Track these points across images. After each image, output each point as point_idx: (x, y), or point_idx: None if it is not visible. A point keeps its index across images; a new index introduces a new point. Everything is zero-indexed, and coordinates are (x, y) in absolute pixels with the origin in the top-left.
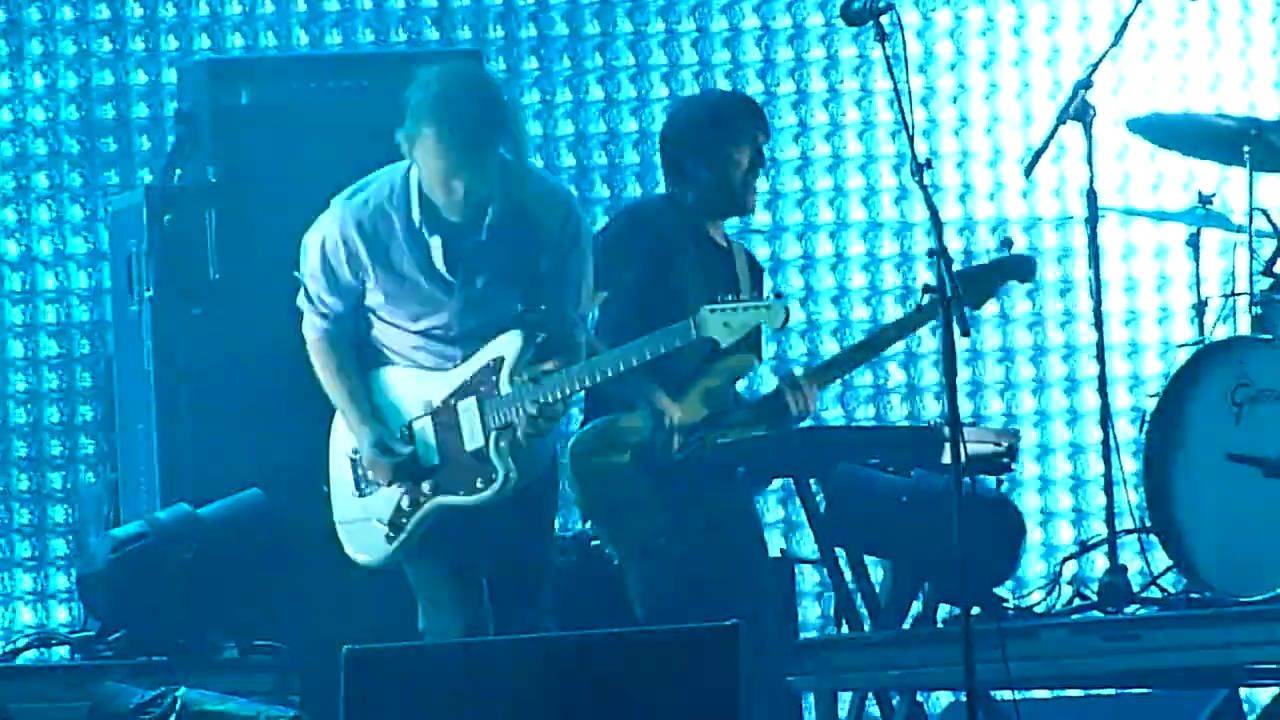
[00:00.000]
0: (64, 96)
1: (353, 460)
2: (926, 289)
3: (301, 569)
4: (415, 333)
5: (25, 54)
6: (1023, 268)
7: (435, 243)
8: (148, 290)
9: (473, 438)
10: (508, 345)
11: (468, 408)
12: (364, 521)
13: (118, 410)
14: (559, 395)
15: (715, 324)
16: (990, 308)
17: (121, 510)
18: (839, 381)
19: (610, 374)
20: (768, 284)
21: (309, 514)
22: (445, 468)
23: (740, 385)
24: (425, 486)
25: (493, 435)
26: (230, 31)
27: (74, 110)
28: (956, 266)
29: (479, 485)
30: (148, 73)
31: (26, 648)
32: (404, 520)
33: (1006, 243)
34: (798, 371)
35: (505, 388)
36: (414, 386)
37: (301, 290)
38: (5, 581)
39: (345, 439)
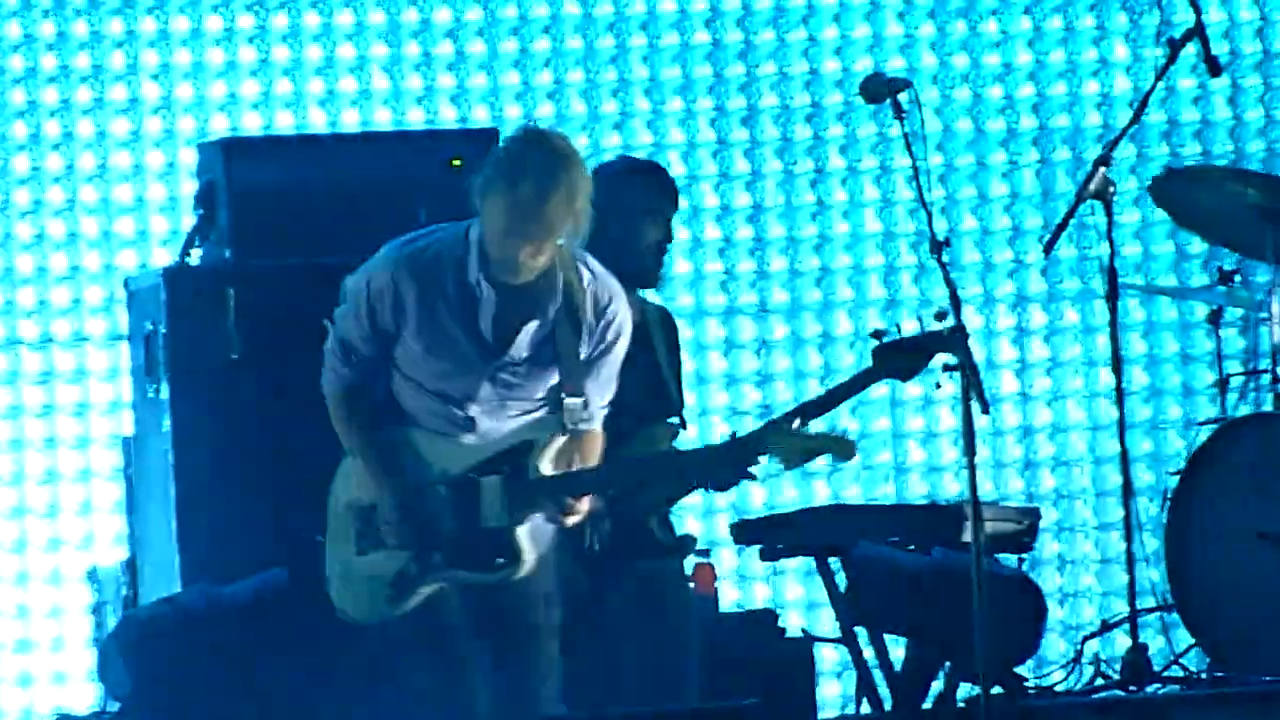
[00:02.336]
0: (81, 177)
1: (357, 513)
2: (876, 334)
3: (324, 648)
4: (430, 393)
5: (42, 135)
6: (951, 341)
7: (488, 303)
8: (166, 370)
9: (493, 516)
10: (541, 431)
11: (491, 485)
12: (362, 580)
13: (137, 490)
14: (583, 494)
15: (780, 446)
16: (1010, 384)
17: (140, 590)
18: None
19: (644, 480)
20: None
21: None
22: (460, 541)
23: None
24: (436, 556)
25: (517, 518)
26: (247, 111)
27: (91, 191)
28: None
29: (499, 564)
30: (165, 153)
31: None
32: (411, 586)
33: (940, 315)
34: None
35: (534, 473)
36: (431, 451)
37: (330, 336)
38: (25, 662)
39: (351, 488)
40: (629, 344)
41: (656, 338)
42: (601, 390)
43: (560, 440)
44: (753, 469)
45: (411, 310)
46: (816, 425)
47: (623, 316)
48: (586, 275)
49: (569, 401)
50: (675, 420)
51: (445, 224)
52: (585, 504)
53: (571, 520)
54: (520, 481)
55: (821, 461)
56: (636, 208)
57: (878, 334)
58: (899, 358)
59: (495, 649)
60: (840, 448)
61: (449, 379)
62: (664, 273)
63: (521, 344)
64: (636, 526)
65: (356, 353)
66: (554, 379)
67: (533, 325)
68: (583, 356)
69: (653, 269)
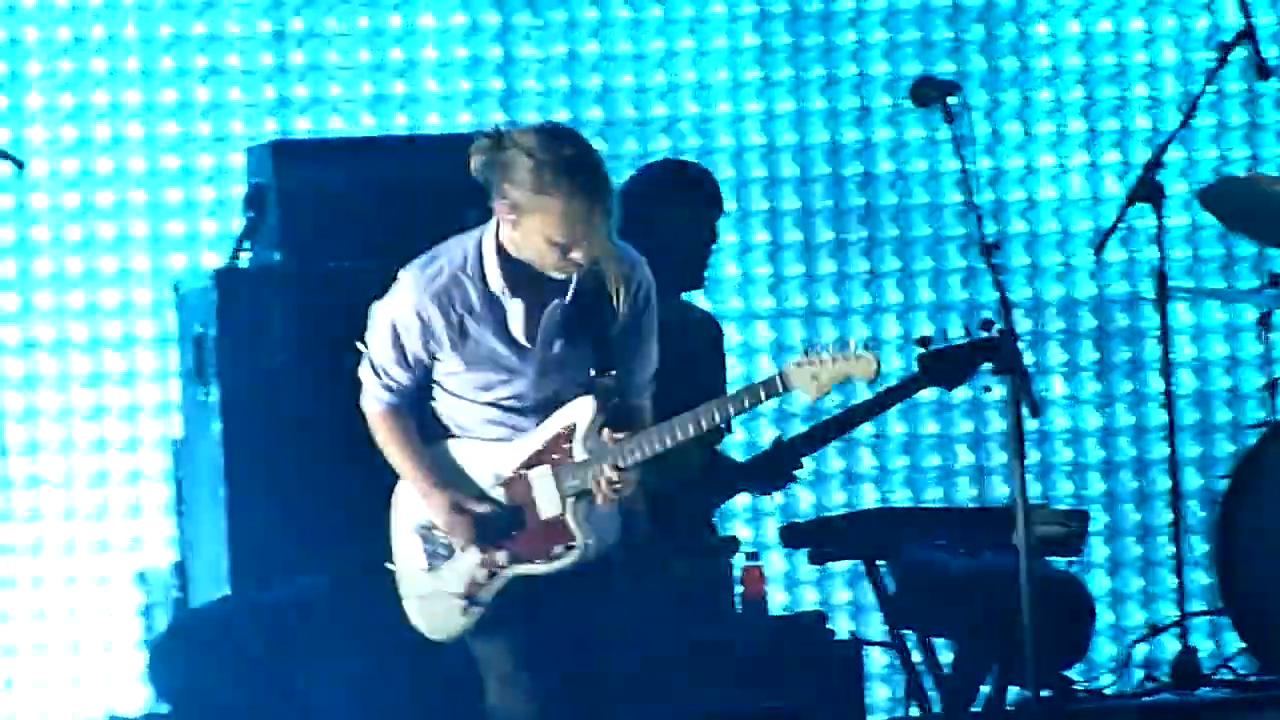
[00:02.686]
0: (131, 180)
1: (422, 535)
2: (921, 341)
3: (370, 653)
4: (485, 404)
5: (92, 138)
6: (995, 351)
7: (515, 307)
8: (216, 373)
9: (548, 506)
10: (581, 411)
11: (541, 475)
12: (436, 596)
13: (186, 493)
14: (638, 456)
15: (803, 376)
16: (1059, 388)
17: (190, 593)
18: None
19: (692, 432)
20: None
21: (377, 598)
22: (521, 538)
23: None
24: (500, 557)
25: (569, 502)
26: (297, 114)
27: (141, 193)
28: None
29: (557, 552)
30: (215, 156)
31: None
32: (480, 591)
33: (986, 324)
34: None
35: (579, 454)
36: (481, 459)
37: (365, 362)
38: (74, 665)
39: (410, 514)
40: (674, 347)
41: (700, 341)
42: (643, 362)
43: (598, 418)
44: (797, 471)
45: (442, 334)
46: (832, 352)
47: (649, 284)
48: (614, 252)
49: (600, 379)
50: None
51: (452, 238)
52: (620, 476)
53: (614, 494)
54: (568, 466)
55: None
56: (682, 212)
57: (923, 341)
58: (944, 366)
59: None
60: (860, 366)
61: (497, 388)
62: (707, 275)
63: (550, 331)
64: (680, 528)
65: (392, 378)
66: (583, 355)
67: (567, 314)
68: (614, 331)
69: (697, 271)
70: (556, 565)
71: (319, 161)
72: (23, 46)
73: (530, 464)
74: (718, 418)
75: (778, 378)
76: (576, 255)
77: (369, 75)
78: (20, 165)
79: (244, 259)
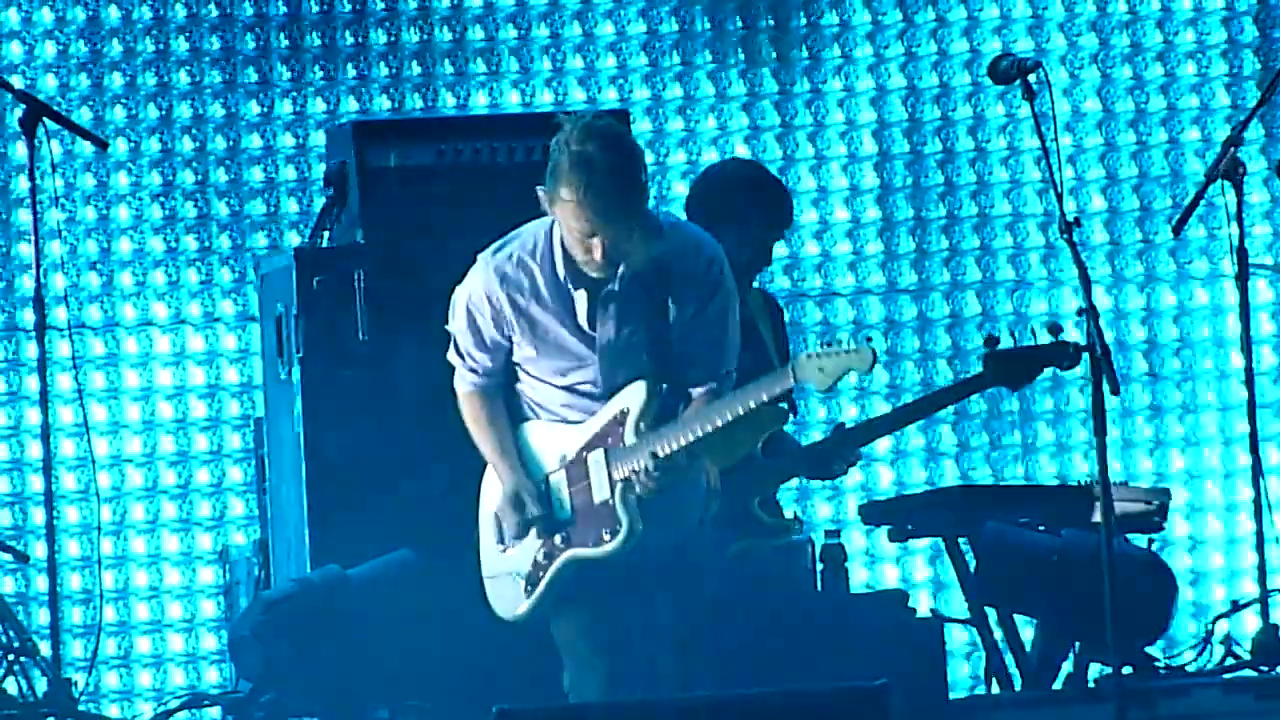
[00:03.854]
0: (212, 159)
1: (496, 516)
2: (989, 340)
3: (451, 628)
4: (562, 388)
5: (174, 117)
6: (1063, 355)
7: (580, 297)
8: (297, 352)
9: (600, 490)
10: (633, 396)
11: (597, 460)
12: (505, 576)
13: (268, 472)
14: (673, 447)
15: (811, 369)
16: (1140, 365)
17: (272, 571)
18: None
19: (719, 423)
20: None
21: (459, 573)
22: (577, 520)
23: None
24: (558, 539)
25: (618, 488)
26: (377, 94)
27: (222, 173)
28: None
29: (605, 538)
30: (295, 135)
31: (178, 709)
32: (540, 574)
33: (1055, 328)
34: (846, 424)
35: (630, 439)
36: (552, 440)
37: (452, 345)
38: (156, 643)
39: (492, 495)
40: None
41: (761, 320)
42: (713, 349)
43: (650, 403)
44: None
45: (511, 318)
46: (834, 346)
47: (718, 268)
48: (674, 238)
49: (657, 365)
50: (784, 404)
51: (528, 223)
52: (655, 464)
53: (650, 483)
54: (617, 449)
55: (852, 379)
56: (750, 217)
57: (990, 341)
58: (1009, 367)
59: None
60: (858, 359)
61: (571, 373)
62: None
63: (607, 319)
64: (741, 509)
65: (475, 360)
66: (641, 339)
67: (625, 302)
68: (678, 317)
69: (758, 267)
70: (604, 550)
71: (399, 141)
72: (105, 26)
73: (589, 447)
74: (740, 410)
75: (790, 370)
76: (596, 250)
77: (448, 54)
78: (103, 145)
79: (324, 238)
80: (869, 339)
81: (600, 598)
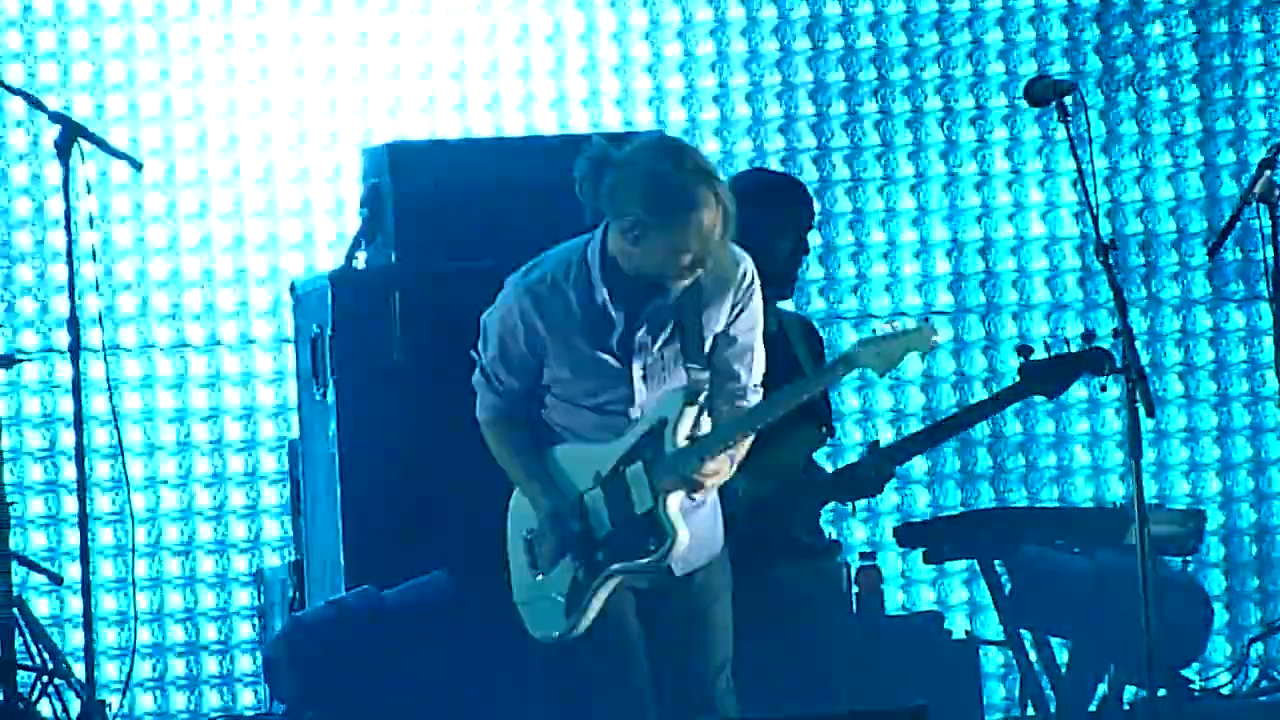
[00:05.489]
0: (248, 181)
1: (528, 540)
2: (1021, 349)
3: (486, 651)
4: (592, 409)
5: (208, 138)
6: (1098, 361)
7: (619, 318)
8: (333, 373)
9: (642, 501)
10: (670, 406)
11: (635, 473)
12: (543, 600)
13: (303, 493)
14: (719, 450)
15: (869, 355)
16: (1176, 387)
17: (307, 593)
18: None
19: (768, 420)
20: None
21: (494, 596)
22: (618, 535)
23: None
24: (599, 555)
25: (662, 497)
26: (412, 115)
27: (258, 194)
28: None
29: (651, 548)
30: (330, 156)
31: None
32: (583, 592)
33: (1089, 335)
34: (881, 443)
35: (670, 448)
36: (584, 460)
37: (478, 369)
38: (191, 664)
39: (522, 520)
40: (777, 353)
41: (797, 344)
42: (749, 360)
43: (691, 411)
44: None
45: (545, 340)
46: (897, 327)
47: (752, 278)
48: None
49: (695, 375)
50: (823, 427)
51: (555, 248)
52: (713, 468)
53: (705, 486)
54: (659, 459)
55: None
56: (774, 222)
57: (1024, 350)
58: (1044, 375)
59: (665, 643)
60: (918, 339)
61: (600, 394)
62: (797, 282)
63: (651, 335)
64: (782, 531)
65: (504, 384)
66: (674, 353)
67: (654, 309)
68: (719, 328)
69: (787, 279)
70: (650, 560)
71: (435, 162)
72: (138, 48)
73: (626, 461)
74: (792, 404)
75: (841, 360)
76: (700, 267)
77: (484, 76)
78: (138, 166)
79: (360, 260)
80: (927, 318)
81: (642, 617)
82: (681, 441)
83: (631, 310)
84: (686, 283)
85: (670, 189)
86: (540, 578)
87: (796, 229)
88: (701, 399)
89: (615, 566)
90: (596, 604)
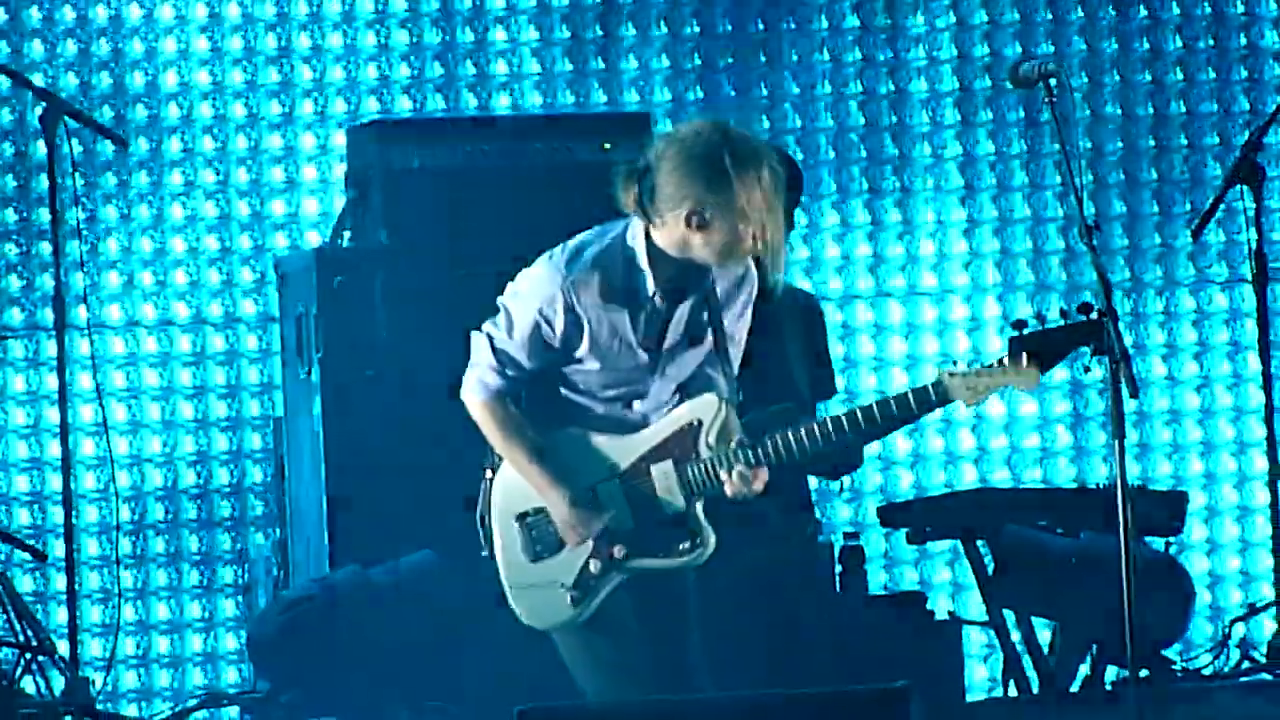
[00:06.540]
0: (233, 159)
1: (526, 523)
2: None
3: (472, 629)
4: (602, 400)
5: (195, 118)
6: (1094, 333)
7: (655, 308)
8: (318, 352)
9: (672, 502)
10: (705, 409)
11: (664, 470)
12: (542, 586)
13: (288, 471)
14: (775, 459)
15: (959, 388)
16: (1158, 369)
17: (291, 571)
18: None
19: (833, 438)
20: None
21: (479, 574)
22: (640, 531)
23: None
24: (617, 550)
25: (696, 500)
26: (399, 94)
27: (243, 173)
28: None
29: (682, 549)
30: (316, 136)
31: (196, 708)
32: (593, 583)
33: (1085, 307)
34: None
35: (705, 451)
36: (595, 450)
37: (483, 350)
38: (175, 643)
39: (512, 500)
40: (779, 326)
41: (786, 322)
42: (773, 362)
43: (722, 414)
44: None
45: (586, 324)
46: (994, 366)
47: (753, 277)
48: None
49: (720, 377)
50: (793, 405)
51: (591, 231)
52: (763, 475)
53: (754, 490)
54: (693, 462)
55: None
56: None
57: (1018, 324)
58: (1038, 348)
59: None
60: (1024, 378)
61: (618, 386)
62: (793, 259)
63: (677, 329)
64: (755, 513)
65: (518, 366)
66: (702, 354)
67: (687, 305)
68: (732, 327)
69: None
70: (681, 561)
71: (420, 141)
72: (126, 25)
73: (651, 458)
74: (866, 423)
75: (931, 388)
76: (768, 238)
77: (470, 55)
78: (124, 144)
79: (345, 238)
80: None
81: (643, 606)
82: (713, 445)
83: (670, 305)
84: (746, 266)
85: (728, 166)
86: (539, 564)
87: (784, 204)
88: (736, 402)
89: (640, 563)
90: (603, 595)
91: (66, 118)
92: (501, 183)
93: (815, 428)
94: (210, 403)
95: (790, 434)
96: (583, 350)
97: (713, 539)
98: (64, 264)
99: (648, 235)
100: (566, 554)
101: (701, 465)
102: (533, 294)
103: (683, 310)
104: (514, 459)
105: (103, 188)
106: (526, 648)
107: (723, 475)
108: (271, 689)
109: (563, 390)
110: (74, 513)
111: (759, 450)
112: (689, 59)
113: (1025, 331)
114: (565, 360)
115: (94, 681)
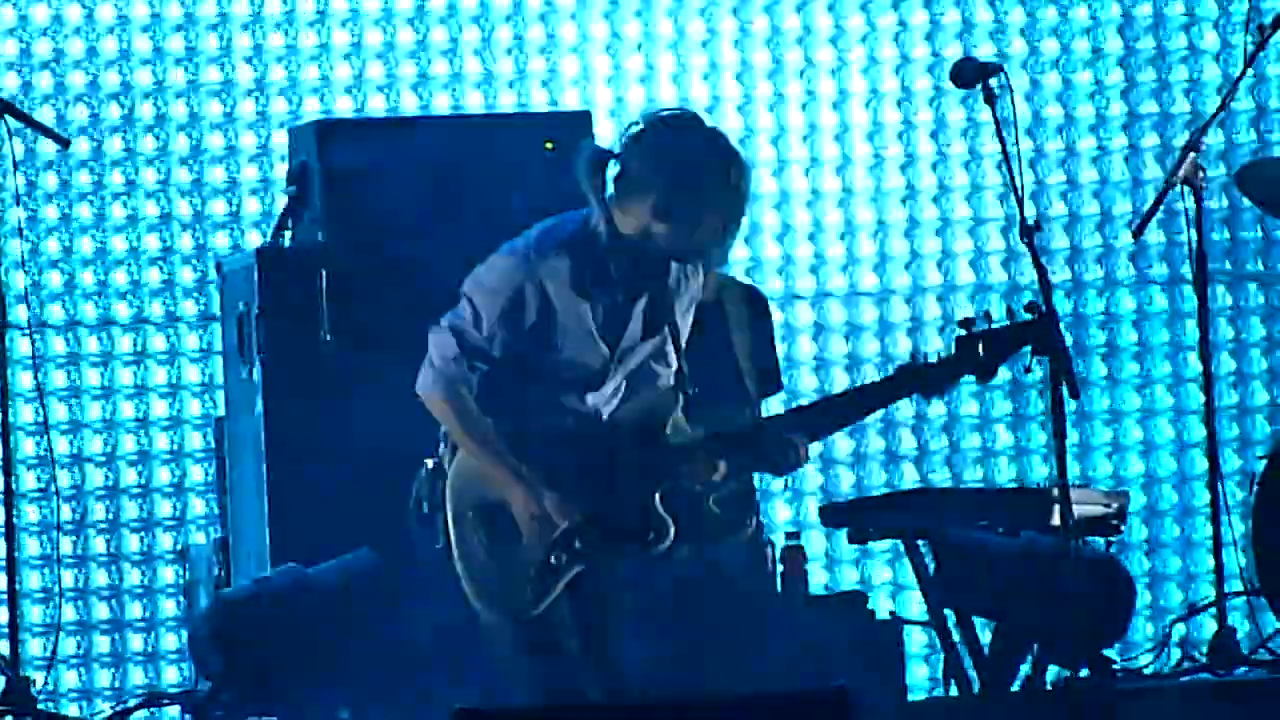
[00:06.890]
0: (175, 158)
1: (484, 516)
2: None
3: (412, 628)
4: (563, 389)
5: (135, 117)
6: (1040, 332)
7: (617, 299)
8: (259, 352)
9: (636, 493)
10: (664, 402)
11: (626, 464)
12: (501, 577)
13: (229, 471)
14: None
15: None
16: (1099, 369)
17: (232, 571)
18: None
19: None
20: None
21: (419, 573)
22: (606, 523)
23: None
24: (580, 543)
25: (656, 491)
26: (339, 94)
27: (185, 172)
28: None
29: (650, 539)
30: (257, 135)
31: (137, 708)
32: (556, 574)
33: (1030, 306)
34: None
35: (669, 443)
36: (564, 443)
37: (448, 340)
38: (116, 642)
39: (469, 492)
40: (723, 317)
41: (733, 316)
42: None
43: (679, 408)
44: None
45: (554, 313)
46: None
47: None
48: None
49: (666, 370)
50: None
51: (552, 220)
52: (723, 466)
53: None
54: (658, 452)
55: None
56: None
57: (965, 323)
58: (987, 348)
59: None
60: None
61: (575, 376)
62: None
63: (635, 325)
64: (695, 506)
65: (480, 356)
66: (650, 347)
67: (644, 299)
68: (681, 321)
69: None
70: (649, 552)
71: (361, 141)
72: (66, 25)
73: (616, 449)
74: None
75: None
76: (733, 228)
77: (411, 55)
78: (65, 144)
79: (286, 238)
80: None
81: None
82: (675, 438)
83: (630, 298)
84: (718, 251)
85: (695, 156)
86: (498, 555)
87: None
88: (692, 394)
89: (600, 555)
90: (562, 585)
91: (7, 117)
92: (442, 182)
93: (827, 411)
94: (151, 402)
95: (745, 427)
96: (548, 339)
97: (672, 529)
98: (4, 263)
99: (610, 223)
100: (527, 545)
101: (665, 456)
102: (501, 284)
103: (641, 303)
104: (476, 451)
105: (44, 187)
106: (466, 648)
107: (684, 467)
108: (212, 688)
109: (518, 380)
110: (14, 512)
111: (720, 442)
112: (628, 57)
113: (974, 330)
114: (530, 349)
115: (35, 681)
